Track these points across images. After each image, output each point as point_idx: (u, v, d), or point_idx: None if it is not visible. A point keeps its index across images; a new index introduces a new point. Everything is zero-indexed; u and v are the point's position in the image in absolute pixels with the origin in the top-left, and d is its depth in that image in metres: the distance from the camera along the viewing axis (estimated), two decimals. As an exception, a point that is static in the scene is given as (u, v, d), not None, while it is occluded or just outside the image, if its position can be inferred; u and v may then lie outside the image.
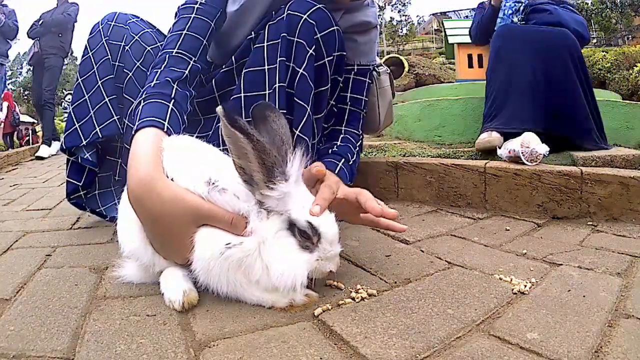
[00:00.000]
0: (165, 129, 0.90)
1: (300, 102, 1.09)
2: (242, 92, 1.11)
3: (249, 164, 0.72)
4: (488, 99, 2.15)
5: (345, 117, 1.32)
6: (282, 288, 0.74)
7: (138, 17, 1.44)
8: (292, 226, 0.76)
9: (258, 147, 0.71)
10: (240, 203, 0.76)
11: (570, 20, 2.20)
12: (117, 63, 1.34)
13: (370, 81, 1.37)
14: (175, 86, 1.01)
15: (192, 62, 1.08)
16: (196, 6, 1.14)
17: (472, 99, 2.74)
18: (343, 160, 1.18)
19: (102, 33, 1.37)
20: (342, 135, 1.29)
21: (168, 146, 0.84)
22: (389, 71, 1.57)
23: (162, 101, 0.96)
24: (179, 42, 1.09)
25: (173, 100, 0.98)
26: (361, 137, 1.35)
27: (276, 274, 0.74)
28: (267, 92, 1.10)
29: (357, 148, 1.29)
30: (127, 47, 1.33)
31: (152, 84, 1.01)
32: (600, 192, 1.33)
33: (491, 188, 1.49)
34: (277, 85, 1.09)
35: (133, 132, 0.89)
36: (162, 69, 1.04)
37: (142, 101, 0.96)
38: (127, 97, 1.30)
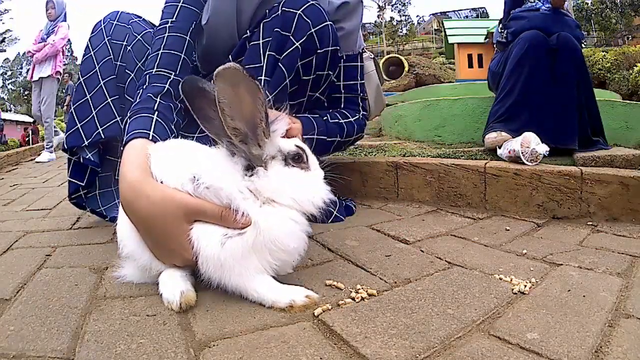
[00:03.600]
0: (151, 138, 0.92)
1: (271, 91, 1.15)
2: None
3: (255, 115, 0.75)
4: (502, 99, 2.15)
5: (342, 104, 1.41)
6: (320, 207, 0.81)
7: (140, 17, 1.44)
8: (286, 159, 0.81)
9: (265, 95, 0.75)
10: (223, 192, 0.76)
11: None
12: (119, 63, 1.35)
13: (361, 64, 1.44)
14: (157, 100, 1.06)
15: (172, 77, 1.12)
16: (168, 25, 1.20)
17: (472, 99, 2.75)
18: (315, 116, 1.27)
19: (104, 32, 1.37)
20: (334, 110, 1.38)
21: (154, 152, 0.86)
22: (372, 56, 1.62)
23: (146, 114, 1.00)
24: (156, 61, 1.14)
25: (157, 112, 1.02)
26: (359, 114, 1.42)
27: (308, 200, 0.80)
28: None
29: (350, 118, 1.38)
30: (129, 47, 1.34)
31: (136, 101, 1.06)
32: (600, 192, 1.33)
33: (491, 188, 1.48)
34: (263, 78, 1.14)
35: (122, 148, 0.91)
36: (144, 88, 1.09)
37: (128, 119, 1.00)
38: (128, 97, 1.30)
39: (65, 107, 11.61)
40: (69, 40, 5.15)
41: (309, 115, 1.26)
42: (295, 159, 0.82)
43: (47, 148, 5.15)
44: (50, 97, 4.98)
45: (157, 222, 0.77)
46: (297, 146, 0.83)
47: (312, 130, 1.23)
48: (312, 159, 0.86)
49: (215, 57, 1.30)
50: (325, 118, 1.30)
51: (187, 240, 0.77)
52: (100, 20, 1.41)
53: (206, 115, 0.81)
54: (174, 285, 0.79)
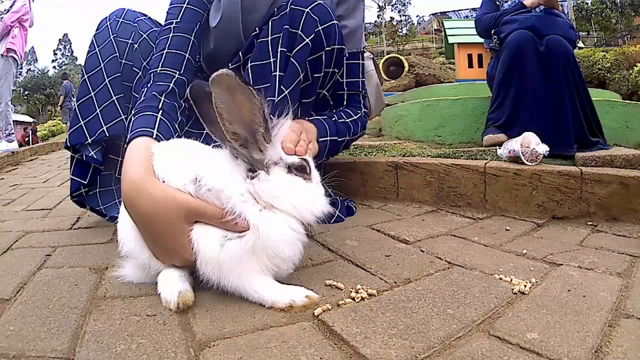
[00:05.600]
0: (154, 136, 0.92)
1: (284, 88, 1.16)
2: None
3: (253, 120, 0.75)
4: (496, 107, 2.17)
5: (345, 101, 1.41)
6: (318, 217, 0.81)
7: (146, 15, 1.44)
8: (290, 167, 0.81)
9: (262, 100, 0.74)
10: (223, 195, 0.76)
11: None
12: (124, 61, 1.34)
13: (363, 62, 1.45)
14: (162, 98, 1.06)
15: (177, 76, 1.13)
16: (172, 25, 1.21)
17: (472, 99, 2.75)
18: (325, 117, 1.28)
19: (109, 29, 1.37)
20: (338, 110, 1.39)
21: (158, 151, 0.85)
22: (371, 56, 1.65)
23: (151, 113, 1.00)
24: (161, 61, 1.14)
25: (161, 111, 1.02)
26: (361, 111, 1.43)
27: (307, 208, 0.80)
28: (270, 83, 1.15)
29: (355, 117, 1.39)
30: (135, 46, 1.34)
31: (140, 100, 1.06)
32: (600, 192, 1.33)
33: (491, 188, 1.48)
34: (277, 74, 1.14)
35: (125, 146, 0.91)
36: (148, 86, 1.09)
37: (132, 117, 1.00)
38: (136, 95, 1.30)
39: (60, 107, 11.55)
40: (23, 15, 4.64)
41: (320, 118, 1.27)
42: (299, 169, 0.82)
43: (4, 137, 4.65)
44: (2, 79, 4.56)
45: (158, 221, 0.77)
46: (301, 158, 0.83)
47: (325, 133, 1.23)
48: (315, 173, 0.86)
49: (223, 58, 1.30)
50: (334, 119, 1.31)
51: (187, 240, 0.77)
52: (106, 17, 1.40)
53: (212, 119, 0.80)
54: (172, 285, 0.79)
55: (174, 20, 1.21)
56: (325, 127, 1.24)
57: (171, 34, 1.19)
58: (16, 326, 0.71)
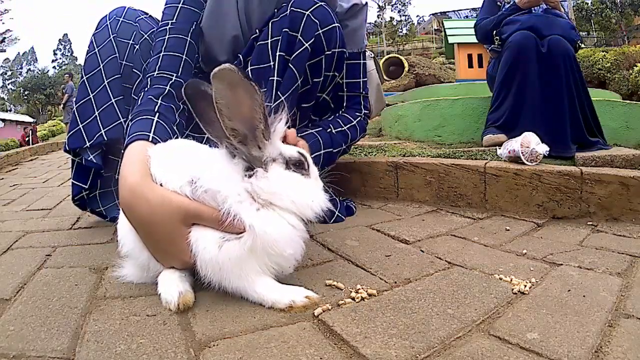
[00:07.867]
0: (150, 140, 0.91)
1: (281, 94, 1.15)
2: None
3: (253, 116, 0.74)
4: (496, 107, 2.17)
5: (345, 103, 1.40)
6: (318, 213, 0.80)
7: (147, 14, 1.41)
8: (287, 164, 0.81)
9: (263, 96, 0.73)
10: (220, 196, 0.76)
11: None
12: (124, 62, 1.32)
13: (364, 61, 1.44)
14: (158, 101, 1.05)
15: (174, 78, 1.12)
16: (168, 27, 1.20)
17: (472, 99, 2.75)
18: (320, 129, 1.27)
19: (109, 29, 1.34)
20: (336, 116, 1.38)
21: (154, 154, 0.85)
22: (372, 55, 1.63)
23: (147, 116, 0.99)
24: (158, 64, 1.13)
25: (158, 114, 1.01)
26: (361, 113, 1.42)
27: (307, 204, 0.79)
28: (267, 88, 1.14)
29: (354, 121, 1.38)
30: (136, 47, 1.31)
31: (138, 104, 1.05)
32: (600, 192, 1.33)
33: (491, 188, 1.48)
34: (275, 79, 1.14)
35: (123, 151, 0.90)
36: (145, 90, 1.08)
37: (130, 122, 0.99)
38: (135, 99, 1.29)
39: (63, 107, 11.56)
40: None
41: (314, 132, 1.25)
42: (297, 165, 0.82)
43: None
44: None
45: (156, 225, 0.77)
46: (299, 153, 0.83)
47: (319, 148, 1.22)
48: (313, 169, 0.85)
49: (216, 56, 1.30)
50: (329, 130, 1.29)
51: (186, 243, 0.77)
52: (106, 16, 1.37)
53: (208, 118, 0.80)
54: (172, 286, 0.79)
55: (170, 21, 1.20)
56: (319, 141, 1.23)
57: (167, 36, 1.17)
58: (16, 326, 0.71)
